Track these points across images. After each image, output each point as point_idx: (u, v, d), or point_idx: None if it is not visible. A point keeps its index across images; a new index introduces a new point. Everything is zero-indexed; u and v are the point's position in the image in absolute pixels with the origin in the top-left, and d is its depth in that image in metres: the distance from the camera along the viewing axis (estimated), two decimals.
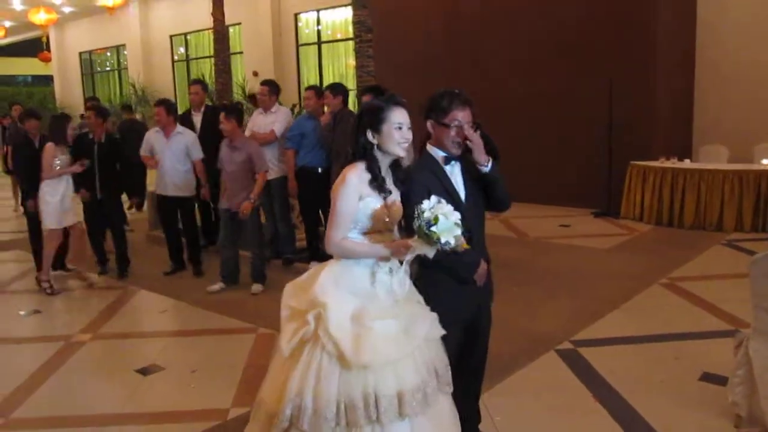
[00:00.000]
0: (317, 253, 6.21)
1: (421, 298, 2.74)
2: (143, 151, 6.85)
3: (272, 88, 6.94)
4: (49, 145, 6.29)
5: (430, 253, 2.50)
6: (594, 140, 9.18)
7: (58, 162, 6.28)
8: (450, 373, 2.69)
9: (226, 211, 6.17)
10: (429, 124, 2.97)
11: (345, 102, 6.44)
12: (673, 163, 8.51)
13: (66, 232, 6.60)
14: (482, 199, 3.07)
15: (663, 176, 8.44)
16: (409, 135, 2.62)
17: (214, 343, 5.06)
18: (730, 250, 7.21)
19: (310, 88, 6.90)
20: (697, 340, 4.68)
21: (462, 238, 2.46)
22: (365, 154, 2.61)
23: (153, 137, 6.81)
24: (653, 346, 4.59)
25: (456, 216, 2.44)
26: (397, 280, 2.63)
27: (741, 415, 3.39)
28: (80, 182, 6.68)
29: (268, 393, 2.57)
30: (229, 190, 6.12)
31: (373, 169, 2.60)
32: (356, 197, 2.56)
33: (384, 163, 2.64)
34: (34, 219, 6.73)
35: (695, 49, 9.85)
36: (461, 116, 2.89)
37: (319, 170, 6.39)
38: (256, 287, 6.13)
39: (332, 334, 2.43)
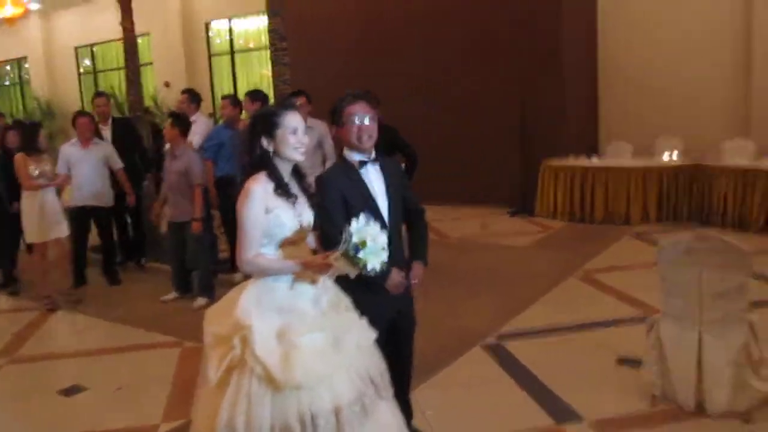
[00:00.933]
0: None
1: (349, 302, 2.67)
2: (60, 168, 6.56)
3: (192, 96, 6.90)
4: (19, 156, 5.97)
5: (352, 273, 2.45)
6: (509, 142, 9.48)
7: (36, 171, 5.96)
8: (388, 377, 2.65)
9: (170, 224, 6.10)
10: (333, 131, 3.02)
11: None
12: (582, 162, 8.90)
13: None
14: (401, 203, 3.10)
15: (573, 174, 8.81)
16: (305, 139, 2.56)
17: (138, 359, 4.93)
18: (638, 241, 7.60)
19: (225, 97, 6.90)
20: (613, 327, 4.92)
21: (385, 260, 2.41)
22: (263, 162, 2.53)
23: (68, 150, 6.62)
24: (573, 336, 4.81)
25: (383, 239, 2.40)
26: (322, 288, 2.59)
27: (656, 394, 3.61)
28: None
29: (201, 424, 2.48)
30: (170, 200, 6.03)
31: (274, 176, 2.53)
32: (262, 210, 2.47)
33: (284, 169, 2.57)
34: None
35: (597, 51, 10.34)
36: (356, 109, 2.91)
37: (238, 179, 6.33)
38: (201, 301, 5.88)
39: (259, 357, 2.35)
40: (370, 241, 2.34)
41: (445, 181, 9.78)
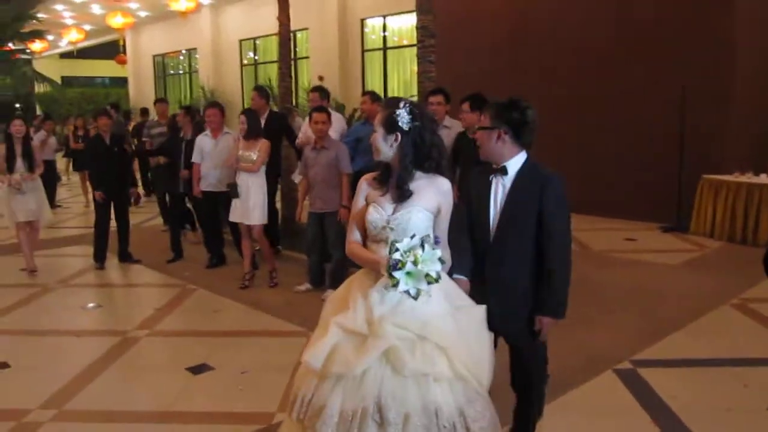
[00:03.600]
0: None
1: (419, 326, 2.39)
2: (195, 158, 7.11)
3: (322, 94, 7.07)
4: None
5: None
6: (665, 151, 8.84)
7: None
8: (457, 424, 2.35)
9: (311, 214, 6.19)
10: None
11: None
12: (748, 178, 8.11)
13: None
14: (528, 224, 2.92)
15: (737, 191, 8.06)
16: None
17: (265, 345, 5.06)
18: None
19: (365, 93, 6.98)
20: None
21: (426, 291, 2.29)
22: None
23: (201, 140, 7.12)
24: (720, 371, 4.35)
25: (432, 268, 2.25)
26: (390, 296, 2.42)
27: None
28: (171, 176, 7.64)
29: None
30: (317, 191, 6.11)
31: (377, 172, 2.66)
32: (362, 200, 2.65)
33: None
34: (101, 210, 7.39)
35: None
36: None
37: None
38: (330, 292, 5.94)
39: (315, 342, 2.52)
40: (411, 264, 2.26)
41: (595, 192, 9.32)
